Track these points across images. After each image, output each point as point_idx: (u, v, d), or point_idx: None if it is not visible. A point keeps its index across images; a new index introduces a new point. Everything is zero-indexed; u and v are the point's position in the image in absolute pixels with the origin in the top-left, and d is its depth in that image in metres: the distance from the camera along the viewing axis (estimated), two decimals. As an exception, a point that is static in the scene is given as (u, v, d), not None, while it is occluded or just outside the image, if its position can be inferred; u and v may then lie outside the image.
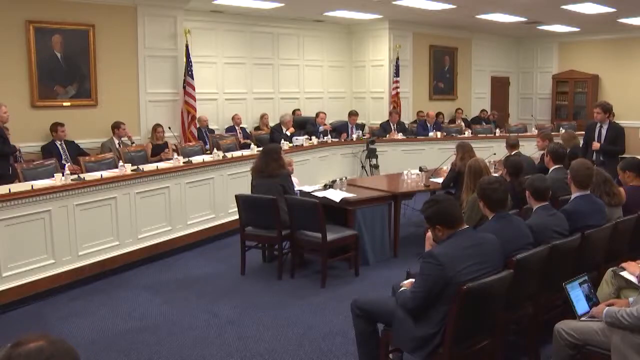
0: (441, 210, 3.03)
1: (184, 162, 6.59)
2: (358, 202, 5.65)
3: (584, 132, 7.47)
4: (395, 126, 10.41)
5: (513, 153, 6.40)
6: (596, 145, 6.76)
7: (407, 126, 10.96)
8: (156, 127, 8.07)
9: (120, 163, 6.17)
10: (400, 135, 10.20)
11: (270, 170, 5.44)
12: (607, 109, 6.95)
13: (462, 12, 10.16)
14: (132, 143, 7.69)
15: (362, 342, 3.35)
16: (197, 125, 8.86)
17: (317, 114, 9.91)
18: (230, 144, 8.36)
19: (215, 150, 7.39)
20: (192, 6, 8.89)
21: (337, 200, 5.61)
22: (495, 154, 7.77)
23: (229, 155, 7.22)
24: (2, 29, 6.99)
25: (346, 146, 9.47)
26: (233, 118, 9.98)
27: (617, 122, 7.54)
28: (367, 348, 3.32)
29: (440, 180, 6.32)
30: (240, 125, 10.02)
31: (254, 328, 4.27)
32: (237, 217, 5.72)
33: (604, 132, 6.85)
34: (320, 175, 8.42)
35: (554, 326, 3.11)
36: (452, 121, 12.50)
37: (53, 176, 5.36)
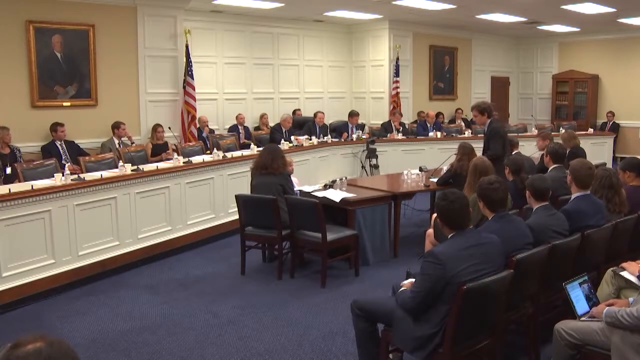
0: (451, 212, 3.02)
1: (184, 162, 6.59)
2: (358, 202, 5.65)
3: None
4: (395, 129, 10.38)
5: (513, 153, 6.41)
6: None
7: (407, 126, 10.97)
8: (156, 127, 8.07)
9: (120, 163, 6.17)
10: (400, 136, 10.20)
11: (276, 167, 5.44)
12: (483, 110, 5.97)
13: (462, 12, 10.16)
14: (132, 143, 7.70)
15: (362, 342, 3.35)
16: (197, 125, 8.86)
17: (316, 114, 9.93)
18: (230, 144, 8.37)
19: (215, 150, 7.38)
20: (192, 6, 8.90)
21: (337, 200, 5.61)
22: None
23: (229, 155, 7.23)
24: (2, 29, 6.99)
25: (346, 146, 9.47)
26: (237, 117, 10.00)
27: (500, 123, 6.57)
28: (367, 348, 3.32)
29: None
30: (244, 125, 10.04)
31: (254, 328, 4.27)
32: (237, 217, 5.72)
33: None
34: (320, 175, 8.42)
35: (554, 326, 3.11)
36: (452, 121, 12.50)
37: (53, 176, 5.36)
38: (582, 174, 4.01)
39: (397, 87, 11.68)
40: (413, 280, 3.24)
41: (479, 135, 10.60)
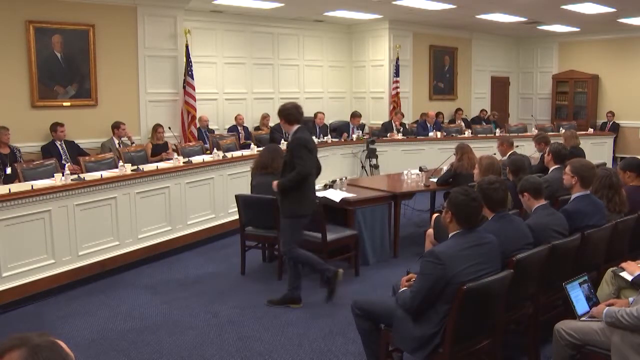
0: (469, 209, 3.00)
1: (184, 162, 6.59)
2: (358, 202, 5.65)
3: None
4: (396, 129, 10.37)
5: (508, 153, 6.42)
6: (274, 184, 4.65)
7: (407, 126, 10.97)
8: (157, 127, 8.07)
9: (120, 163, 6.17)
10: (400, 136, 10.20)
11: (276, 167, 5.43)
12: (281, 114, 4.71)
13: (462, 12, 10.16)
14: (132, 143, 7.70)
15: (367, 341, 3.35)
16: (197, 125, 8.86)
17: (316, 115, 9.92)
18: (230, 144, 8.37)
19: (215, 150, 7.39)
20: (192, 6, 8.90)
21: (337, 200, 5.61)
22: (495, 154, 7.77)
23: (229, 155, 7.22)
24: (2, 29, 6.99)
25: (346, 146, 9.47)
26: (236, 118, 9.99)
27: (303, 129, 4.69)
28: (373, 346, 3.32)
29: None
30: (243, 125, 10.04)
31: (254, 328, 4.27)
32: (237, 217, 5.72)
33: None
34: (320, 175, 8.40)
35: (554, 326, 3.11)
36: (452, 121, 12.51)
37: (53, 176, 5.36)
38: (589, 173, 4.02)
39: (397, 87, 11.68)
40: (412, 275, 3.25)
41: (479, 135, 10.63)
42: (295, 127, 4.68)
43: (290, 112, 4.67)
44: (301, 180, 4.51)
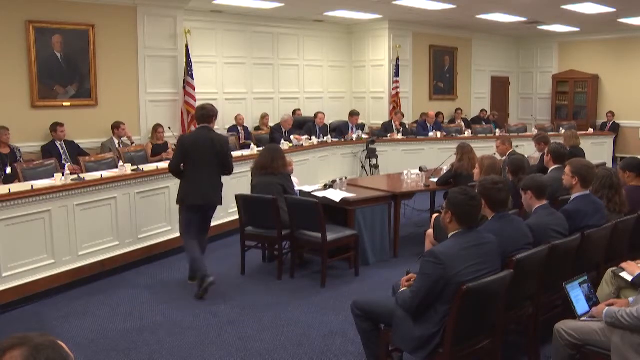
0: (469, 208, 2.99)
1: (184, 162, 6.58)
2: (358, 202, 5.65)
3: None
4: (396, 129, 10.37)
5: (507, 152, 6.42)
6: None
7: (407, 126, 10.98)
8: (157, 128, 8.07)
9: (120, 163, 6.17)
10: (400, 136, 10.21)
11: (276, 167, 5.44)
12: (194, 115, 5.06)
13: (462, 12, 10.16)
14: (132, 143, 7.70)
15: (367, 341, 3.35)
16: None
17: (316, 115, 9.93)
18: (230, 144, 8.35)
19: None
20: (192, 6, 8.90)
21: (337, 200, 5.61)
22: (495, 154, 7.77)
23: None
24: (2, 29, 6.99)
25: (346, 146, 9.47)
26: (236, 118, 10.00)
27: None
28: (373, 346, 3.32)
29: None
30: (243, 125, 10.05)
31: (254, 328, 4.27)
32: (237, 217, 5.72)
33: None
34: (320, 175, 8.42)
35: (554, 326, 3.11)
36: (452, 121, 12.51)
37: (53, 176, 5.35)
38: (588, 174, 4.02)
39: (397, 87, 11.68)
40: (412, 275, 3.24)
41: (479, 135, 10.63)
42: (199, 126, 5.16)
43: (195, 115, 5.09)
44: (174, 175, 5.16)
